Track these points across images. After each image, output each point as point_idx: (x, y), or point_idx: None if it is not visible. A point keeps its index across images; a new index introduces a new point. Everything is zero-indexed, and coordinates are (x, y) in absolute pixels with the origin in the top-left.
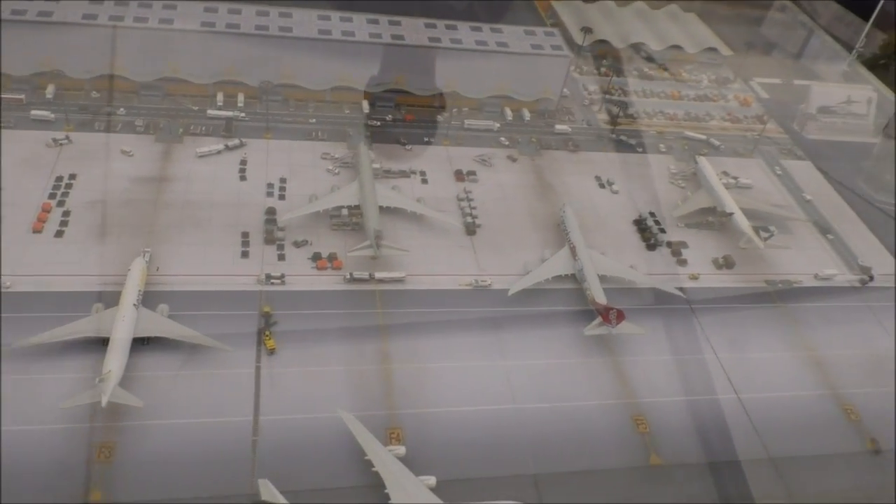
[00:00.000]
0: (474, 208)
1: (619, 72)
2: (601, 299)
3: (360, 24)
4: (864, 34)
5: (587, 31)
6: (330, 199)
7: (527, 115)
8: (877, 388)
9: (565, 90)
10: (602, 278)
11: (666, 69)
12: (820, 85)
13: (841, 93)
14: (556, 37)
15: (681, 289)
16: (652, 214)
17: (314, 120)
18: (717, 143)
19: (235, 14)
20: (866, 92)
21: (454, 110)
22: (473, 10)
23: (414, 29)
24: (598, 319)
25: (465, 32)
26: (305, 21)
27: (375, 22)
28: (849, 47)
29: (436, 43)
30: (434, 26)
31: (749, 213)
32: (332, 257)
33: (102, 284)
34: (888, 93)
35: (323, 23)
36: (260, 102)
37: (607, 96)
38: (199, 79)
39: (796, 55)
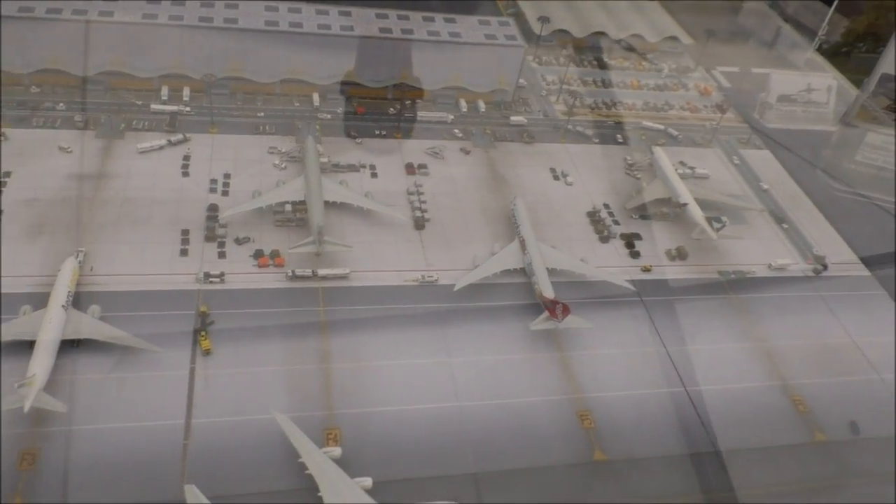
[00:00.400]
0: (424, 202)
1: (577, 62)
2: (548, 293)
3: (308, 15)
4: (825, 22)
5: (544, 20)
6: (274, 194)
7: (482, 106)
8: (826, 378)
9: (522, 81)
10: (552, 272)
11: (627, 57)
12: (780, 73)
13: (801, 81)
14: (510, 27)
15: (632, 281)
16: (606, 206)
17: (262, 113)
18: (675, 132)
19: (179, 5)
20: (826, 80)
21: (407, 102)
22: (429, 1)
23: (364, 19)
24: (545, 314)
25: (418, 23)
26: (252, 12)
27: (325, 13)
28: (814, 35)
29: (387, 34)
30: (385, 17)
31: (704, 204)
32: (274, 254)
33: (33, 285)
34: (844, 81)
35: (270, 14)
36: (206, 96)
37: (564, 86)
38: (143, 73)
39: (759, 43)
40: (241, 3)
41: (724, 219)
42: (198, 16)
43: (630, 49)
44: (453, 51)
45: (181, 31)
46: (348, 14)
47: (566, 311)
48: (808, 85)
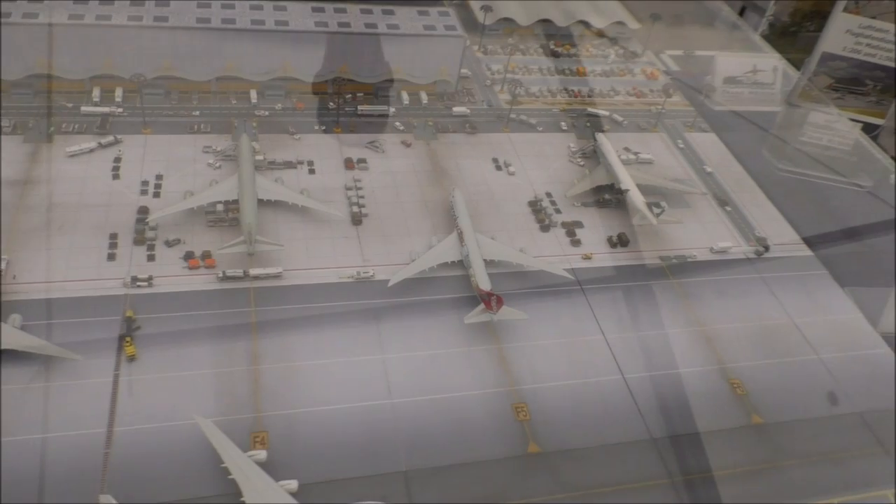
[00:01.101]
0: (362, 197)
1: (523, 50)
2: (485, 285)
3: (242, 11)
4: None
5: (487, 9)
6: (206, 194)
7: (424, 98)
8: (764, 360)
9: (466, 71)
10: (491, 263)
11: (574, 44)
12: (724, 55)
13: (746, 62)
14: (450, 17)
15: (573, 269)
16: (549, 195)
17: (198, 112)
18: (619, 118)
19: (108, 5)
20: (772, 61)
21: (348, 96)
22: None
23: (300, 13)
24: (481, 306)
25: (355, 15)
26: (184, 10)
27: (259, 8)
28: (763, 15)
29: (323, 28)
30: (322, 10)
31: (647, 189)
32: (205, 255)
33: None
34: (786, 64)
35: (202, 10)
36: (139, 96)
37: (509, 75)
38: (73, 74)
39: (706, 25)
40: (172, 1)
41: (663, 204)
42: (127, 15)
43: (570, 44)
44: (392, 43)
45: (110, 30)
46: (284, 9)
47: (500, 302)
48: (753, 66)
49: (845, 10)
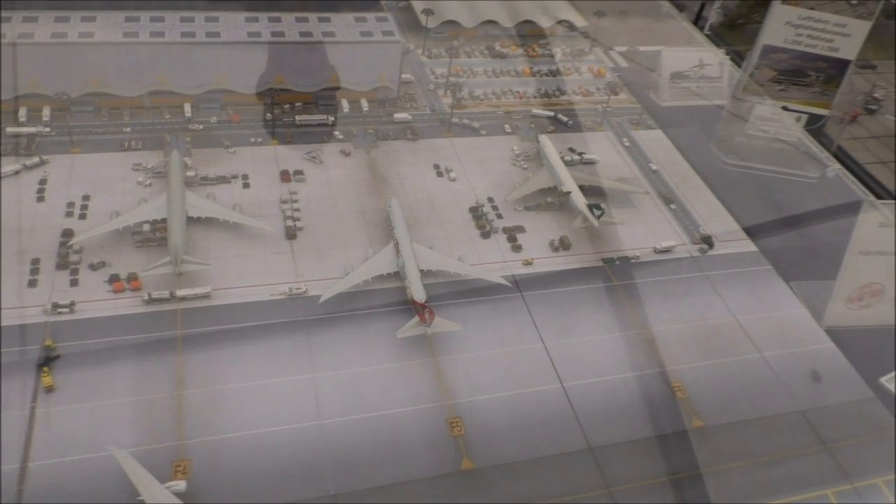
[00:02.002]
0: (297, 210)
1: (468, 53)
2: (419, 297)
3: (171, 23)
4: None
5: (429, 12)
6: (133, 214)
7: (365, 105)
8: (706, 360)
9: (408, 76)
10: (428, 273)
11: (520, 44)
12: (670, 50)
13: (693, 57)
14: (388, 22)
15: (514, 276)
16: (490, 200)
17: (129, 129)
18: (564, 118)
19: (31, 22)
20: (718, 54)
21: (286, 106)
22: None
23: (233, 24)
24: (416, 319)
25: (290, 24)
26: (110, 24)
27: (190, 20)
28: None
29: (255, 38)
30: (256, 20)
31: (590, 190)
32: (130, 278)
33: None
34: (723, 56)
35: (130, 24)
36: (67, 115)
37: (452, 78)
38: None
39: (653, 20)
40: (98, 16)
41: (603, 206)
42: (51, 31)
43: (516, 45)
44: (328, 51)
45: (35, 48)
46: (216, 20)
47: (432, 314)
48: (699, 60)
49: (784, 1)
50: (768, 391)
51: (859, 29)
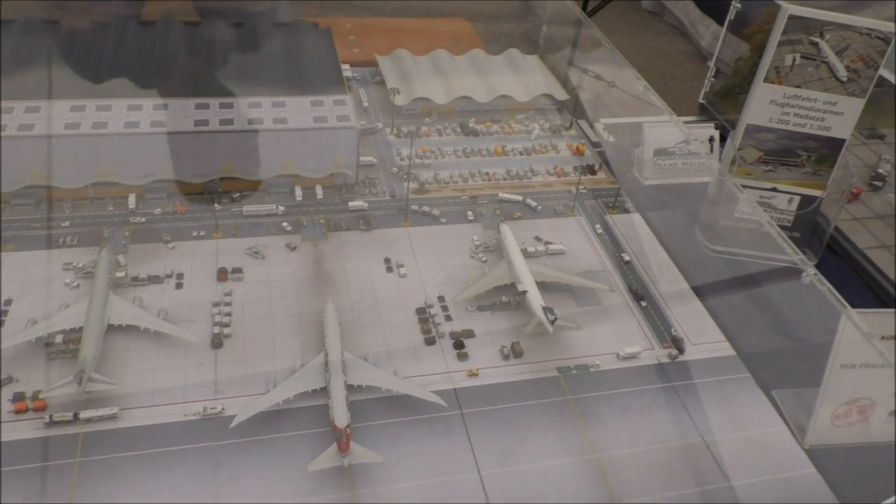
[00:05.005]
0: (228, 315)
1: (440, 130)
2: (340, 421)
3: (117, 112)
4: (719, 42)
5: (395, 91)
6: (50, 322)
7: (320, 192)
8: (664, 491)
9: (371, 158)
10: (358, 389)
11: (496, 120)
12: (653, 125)
13: (678, 132)
14: (345, 105)
15: (454, 390)
16: (441, 299)
17: (68, 223)
18: (533, 203)
19: None
20: (707, 130)
21: (235, 195)
22: (267, 81)
23: (182, 111)
24: (334, 446)
25: (241, 109)
26: (53, 115)
27: (138, 108)
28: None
29: (202, 126)
30: (206, 106)
31: (552, 287)
32: (35, 396)
33: None
34: (713, 130)
35: (74, 114)
36: (4, 209)
37: (416, 160)
38: None
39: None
40: (42, 105)
41: (556, 311)
42: None
43: (491, 121)
44: (279, 138)
45: None
46: (164, 107)
47: (348, 441)
48: (686, 135)
49: (766, 80)
50: None
51: (852, 107)
